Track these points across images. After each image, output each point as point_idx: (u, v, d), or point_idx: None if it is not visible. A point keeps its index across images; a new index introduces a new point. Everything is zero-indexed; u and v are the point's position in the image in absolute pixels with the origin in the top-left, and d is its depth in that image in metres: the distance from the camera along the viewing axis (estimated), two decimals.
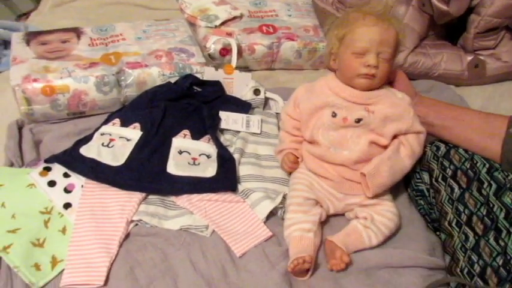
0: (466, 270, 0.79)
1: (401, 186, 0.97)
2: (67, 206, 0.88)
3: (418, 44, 1.30)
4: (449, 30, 1.37)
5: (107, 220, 0.86)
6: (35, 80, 1.03)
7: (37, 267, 0.79)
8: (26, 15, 1.59)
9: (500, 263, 0.75)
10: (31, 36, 1.18)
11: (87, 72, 1.07)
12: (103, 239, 0.83)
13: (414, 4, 1.27)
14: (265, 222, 0.89)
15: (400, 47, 0.92)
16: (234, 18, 1.35)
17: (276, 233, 0.88)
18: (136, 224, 0.88)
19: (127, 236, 0.86)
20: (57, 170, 0.93)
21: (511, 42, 1.32)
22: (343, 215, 0.92)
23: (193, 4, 1.38)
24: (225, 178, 0.95)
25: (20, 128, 1.05)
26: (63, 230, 0.85)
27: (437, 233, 0.91)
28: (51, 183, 0.91)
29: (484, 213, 0.79)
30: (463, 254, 0.80)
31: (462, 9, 1.22)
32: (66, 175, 0.92)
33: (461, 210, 0.82)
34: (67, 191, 0.90)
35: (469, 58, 1.30)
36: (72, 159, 0.93)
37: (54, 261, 0.81)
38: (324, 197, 0.90)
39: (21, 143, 1.02)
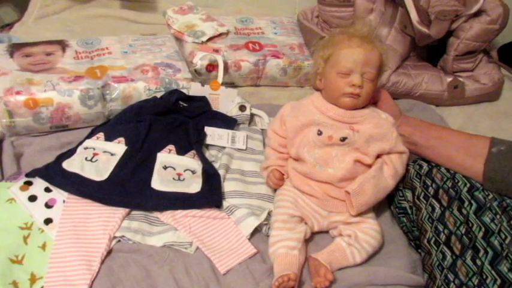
0: None
1: (385, 204, 0.98)
2: (48, 221, 0.86)
3: (400, 64, 1.34)
4: (430, 52, 1.41)
5: (89, 236, 0.85)
6: (18, 93, 1.02)
7: (15, 284, 0.77)
8: (10, 26, 1.57)
9: (476, 282, 0.76)
10: (15, 48, 1.17)
11: (72, 85, 1.06)
12: (84, 255, 0.82)
13: (396, 26, 1.31)
14: (249, 239, 0.89)
15: (384, 68, 0.95)
16: (221, 34, 1.37)
17: (261, 249, 0.88)
18: (119, 240, 0.86)
19: (109, 252, 0.84)
20: (39, 185, 0.91)
21: (488, 66, 1.37)
22: (327, 232, 0.92)
23: (180, 20, 1.39)
24: (210, 194, 0.94)
25: (0, 141, 1.03)
26: (43, 246, 0.83)
27: (419, 250, 0.92)
28: (32, 198, 0.89)
29: (463, 232, 0.81)
30: (440, 273, 0.81)
31: (442, 32, 1.26)
32: (47, 190, 0.91)
33: (441, 229, 0.84)
34: (48, 206, 0.88)
35: (449, 79, 1.34)
36: (54, 174, 0.92)
37: (33, 279, 0.79)
38: (309, 214, 0.90)
39: (1, 156, 1.00)
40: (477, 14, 1.25)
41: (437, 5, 1.32)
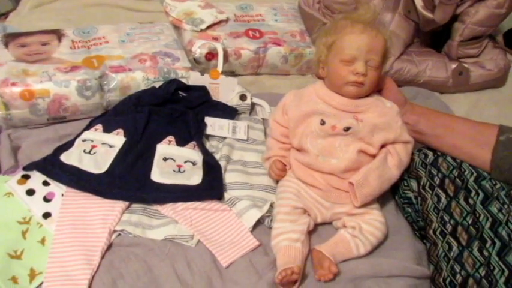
0: (448, 280, 0.79)
1: (389, 194, 0.97)
2: (46, 215, 0.85)
3: (403, 51, 1.31)
4: (434, 37, 1.38)
5: (89, 230, 0.83)
6: (13, 84, 0.99)
7: (14, 280, 0.76)
8: (5, 15, 1.54)
9: (483, 274, 0.75)
10: (10, 38, 1.14)
11: (68, 76, 1.04)
12: (84, 250, 0.80)
13: (400, 12, 1.28)
14: (252, 232, 0.87)
15: (388, 55, 0.92)
16: (220, 22, 1.34)
17: (263, 242, 0.86)
18: (119, 234, 0.85)
19: (109, 246, 0.83)
20: (37, 178, 0.89)
21: (494, 51, 1.34)
22: (330, 223, 0.91)
23: (179, 7, 1.36)
24: (211, 186, 0.93)
25: None
26: (42, 241, 0.82)
27: (424, 240, 0.91)
28: (30, 192, 0.87)
29: (470, 222, 0.79)
30: (446, 264, 0.80)
31: (447, 17, 1.23)
32: (45, 183, 0.89)
33: (447, 220, 0.82)
34: (46, 199, 0.87)
35: (454, 66, 1.31)
36: (52, 167, 0.90)
37: (32, 274, 0.78)
38: (312, 206, 0.89)
39: None
40: None
41: None
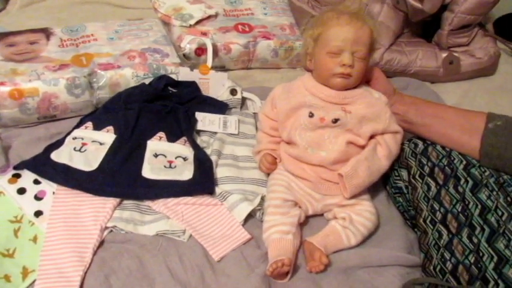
0: (438, 268, 0.79)
1: (380, 184, 0.97)
2: (38, 213, 0.85)
3: (393, 41, 1.31)
4: (424, 27, 1.38)
5: (80, 227, 0.84)
6: (2, 84, 0.99)
7: (7, 278, 0.77)
8: None
9: (472, 260, 0.75)
10: None
11: (57, 74, 1.04)
12: (76, 247, 0.81)
13: (389, 2, 1.28)
14: (243, 225, 0.88)
15: (376, 45, 0.92)
16: (209, 17, 1.33)
17: (255, 235, 0.87)
18: (111, 231, 0.85)
19: (101, 243, 0.83)
20: (27, 177, 0.90)
21: (484, 39, 1.34)
22: (322, 215, 0.91)
23: (167, 3, 1.35)
24: (202, 181, 0.93)
25: None
26: (34, 239, 0.82)
27: (415, 230, 0.91)
28: (21, 191, 0.87)
29: (459, 209, 0.80)
30: (436, 252, 0.81)
31: (436, 6, 1.23)
32: (36, 182, 0.89)
33: (437, 208, 0.83)
34: (38, 198, 0.87)
35: (444, 55, 1.31)
36: (43, 165, 0.90)
37: (25, 272, 0.78)
38: (303, 198, 0.89)
39: None
40: None
41: None
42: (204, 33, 1.26)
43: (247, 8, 1.41)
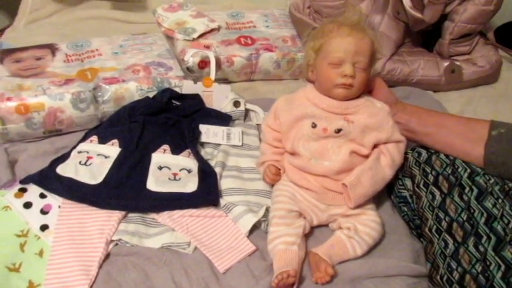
0: (445, 277, 0.79)
1: (385, 194, 0.97)
2: (44, 227, 0.86)
3: (395, 51, 1.32)
4: (425, 37, 1.39)
5: (86, 241, 0.84)
6: (8, 99, 1.01)
7: None
8: (1, 32, 1.56)
9: (479, 270, 0.75)
10: (5, 54, 1.16)
11: (63, 89, 1.05)
12: (82, 260, 0.81)
13: (389, 13, 1.29)
14: (248, 236, 0.88)
15: (377, 56, 0.93)
16: (212, 30, 1.35)
17: (260, 247, 0.86)
18: (117, 244, 0.86)
19: (107, 256, 0.83)
20: (33, 191, 0.90)
21: (485, 48, 1.35)
22: (327, 226, 0.91)
23: (170, 18, 1.37)
24: (207, 193, 0.93)
25: None
26: (40, 253, 0.83)
27: (421, 239, 0.91)
28: (27, 205, 0.88)
29: (465, 218, 0.80)
30: (443, 261, 0.80)
31: (436, 16, 1.24)
32: (42, 196, 0.90)
33: (442, 217, 0.82)
34: (44, 212, 0.88)
35: (446, 64, 1.32)
36: (48, 179, 0.91)
37: (31, 286, 0.78)
38: (307, 209, 0.89)
39: None
40: None
41: None
42: (207, 47, 1.27)
43: (249, 21, 1.43)
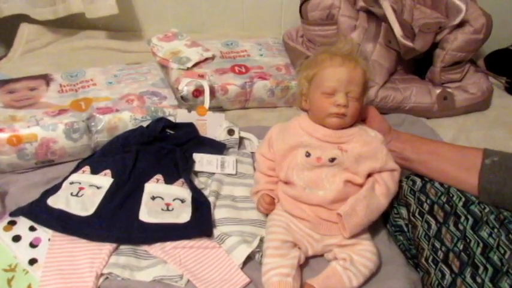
0: None
1: (380, 223, 0.96)
2: (32, 261, 0.84)
3: (387, 79, 1.33)
4: (417, 64, 1.41)
5: (75, 275, 0.82)
6: (0, 130, 1.00)
7: None
8: None
9: None
10: None
11: (56, 119, 1.05)
12: None
13: (381, 41, 1.31)
14: (242, 268, 0.86)
15: (370, 84, 0.94)
16: (206, 59, 1.36)
17: (254, 278, 0.85)
18: (107, 277, 0.83)
19: None
20: (23, 224, 0.89)
21: (476, 75, 1.37)
22: (322, 256, 0.90)
23: (165, 47, 1.39)
24: (200, 223, 0.92)
25: None
26: None
27: (418, 269, 0.89)
28: (16, 238, 0.86)
29: (461, 248, 0.79)
30: None
31: (427, 45, 1.26)
32: (32, 229, 0.88)
33: (438, 247, 0.81)
34: (33, 245, 0.86)
35: (438, 91, 1.33)
36: (39, 211, 0.90)
37: None
38: (302, 239, 0.88)
39: None
40: (460, 25, 1.25)
41: (420, 18, 1.33)
42: (201, 75, 1.28)
43: (243, 49, 1.44)
